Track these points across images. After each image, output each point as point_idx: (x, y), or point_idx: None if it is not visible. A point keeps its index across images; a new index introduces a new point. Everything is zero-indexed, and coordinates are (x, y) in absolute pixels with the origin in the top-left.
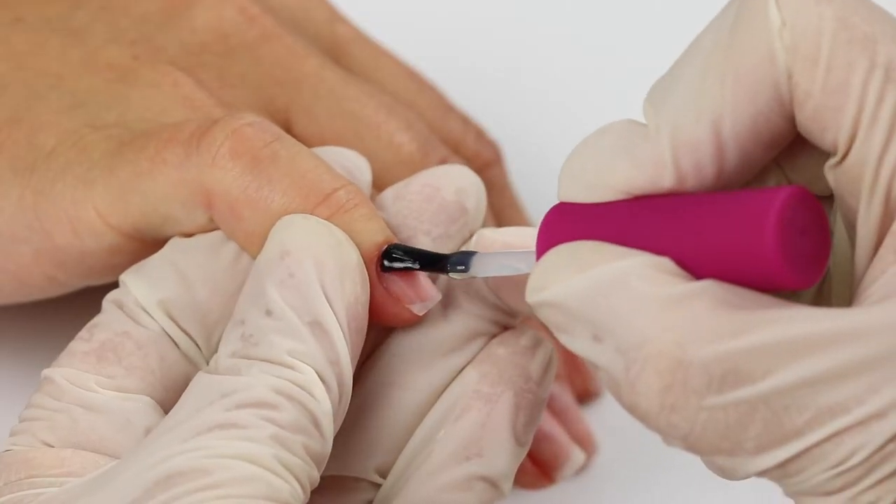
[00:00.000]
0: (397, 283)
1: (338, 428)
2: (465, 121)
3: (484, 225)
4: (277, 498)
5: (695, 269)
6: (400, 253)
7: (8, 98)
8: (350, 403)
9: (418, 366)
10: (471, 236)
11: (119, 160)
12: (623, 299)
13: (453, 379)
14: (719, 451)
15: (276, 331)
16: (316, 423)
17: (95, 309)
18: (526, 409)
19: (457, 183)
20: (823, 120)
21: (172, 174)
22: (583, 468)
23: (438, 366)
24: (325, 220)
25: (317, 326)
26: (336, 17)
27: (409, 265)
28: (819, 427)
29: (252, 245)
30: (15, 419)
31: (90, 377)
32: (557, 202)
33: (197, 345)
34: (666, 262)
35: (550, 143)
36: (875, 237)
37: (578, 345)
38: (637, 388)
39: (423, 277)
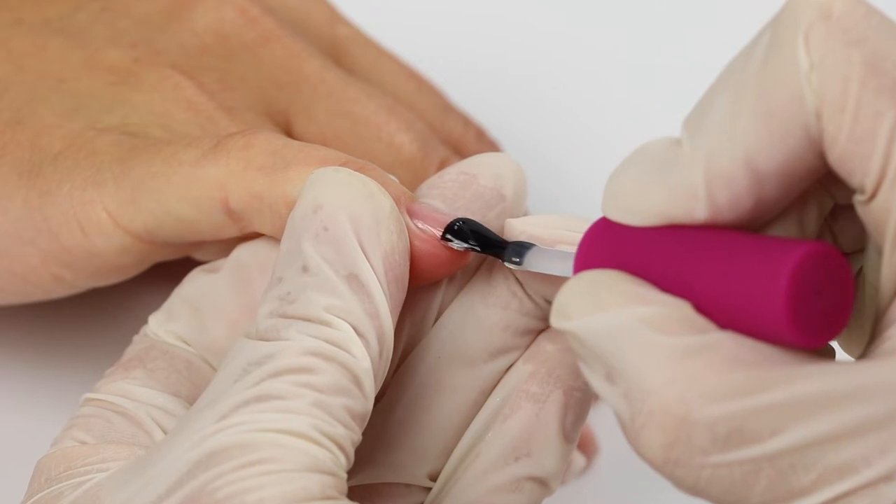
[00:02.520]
0: (428, 226)
1: (381, 383)
2: (466, 121)
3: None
4: (320, 468)
5: (713, 315)
6: (464, 229)
7: (9, 100)
8: (396, 407)
9: (465, 367)
10: None
11: (132, 162)
12: (634, 347)
13: (500, 378)
14: (725, 503)
15: (312, 287)
16: (356, 382)
17: (99, 310)
18: (574, 407)
19: (494, 170)
20: (850, 164)
21: (188, 172)
22: (584, 470)
23: (486, 367)
24: None
25: (353, 280)
26: (336, 17)
27: (470, 245)
28: (826, 487)
29: (278, 223)
30: (18, 417)
31: (119, 383)
32: (601, 216)
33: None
34: (684, 309)
35: (551, 143)
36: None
37: (594, 380)
38: (641, 440)
39: (450, 214)
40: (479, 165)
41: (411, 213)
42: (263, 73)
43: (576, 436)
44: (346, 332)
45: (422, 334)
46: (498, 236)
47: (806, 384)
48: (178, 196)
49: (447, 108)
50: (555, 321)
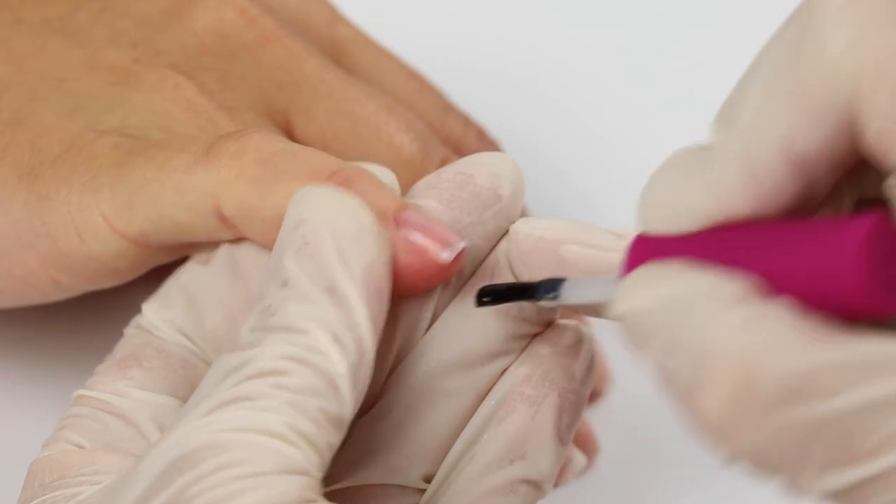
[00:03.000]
0: (417, 237)
1: (362, 395)
2: (466, 121)
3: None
4: (294, 468)
5: (778, 292)
6: (490, 291)
7: (9, 101)
8: (390, 411)
9: (460, 371)
10: (509, 226)
11: (127, 167)
12: (700, 312)
13: (495, 381)
14: (784, 469)
15: (291, 298)
16: (332, 386)
17: (98, 310)
18: (569, 409)
19: (491, 169)
20: (887, 142)
21: (181, 179)
22: (585, 469)
23: (481, 371)
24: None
25: (332, 291)
26: (337, 17)
27: (499, 300)
28: (888, 452)
29: (268, 235)
30: (18, 417)
31: (115, 383)
32: (637, 234)
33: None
34: (748, 282)
35: (551, 143)
36: None
37: (652, 357)
38: (703, 399)
39: (442, 224)
40: (476, 165)
41: (401, 223)
42: (263, 73)
43: (570, 438)
44: (322, 338)
45: (416, 338)
46: (523, 283)
47: (871, 346)
48: (172, 202)
49: (447, 108)
50: (613, 310)
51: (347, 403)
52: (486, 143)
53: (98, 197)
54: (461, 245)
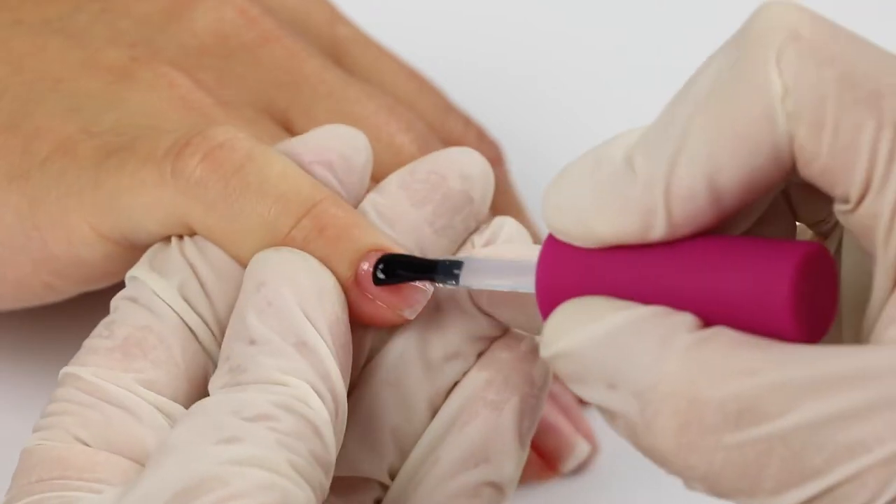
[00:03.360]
0: (384, 295)
1: (340, 442)
2: (466, 121)
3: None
4: (292, 503)
5: (706, 319)
6: (388, 263)
7: (7, 102)
8: (358, 404)
9: (424, 369)
10: (476, 226)
11: (104, 174)
12: (637, 345)
13: (458, 381)
14: (739, 492)
15: (262, 354)
16: (316, 431)
17: (92, 309)
18: (530, 414)
19: (463, 169)
20: (832, 177)
21: (152, 194)
22: (584, 465)
23: (444, 369)
24: (301, 241)
25: (303, 346)
26: (337, 17)
27: (398, 277)
28: (839, 466)
29: (241, 257)
30: (17, 418)
31: (120, 374)
32: (549, 237)
33: (212, 332)
34: (680, 315)
35: (551, 143)
36: (891, 284)
37: (594, 394)
38: (653, 429)
39: (408, 284)
40: (447, 164)
41: (361, 283)
42: (263, 74)
43: (529, 441)
44: (301, 388)
45: (388, 337)
46: (423, 260)
47: (817, 363)
48: (145, 214)
49: (448, 109)
50: (545, 351)
51: (331, 448)
52: (486, 143)
53: (81, 200)
54: (430, 293)
